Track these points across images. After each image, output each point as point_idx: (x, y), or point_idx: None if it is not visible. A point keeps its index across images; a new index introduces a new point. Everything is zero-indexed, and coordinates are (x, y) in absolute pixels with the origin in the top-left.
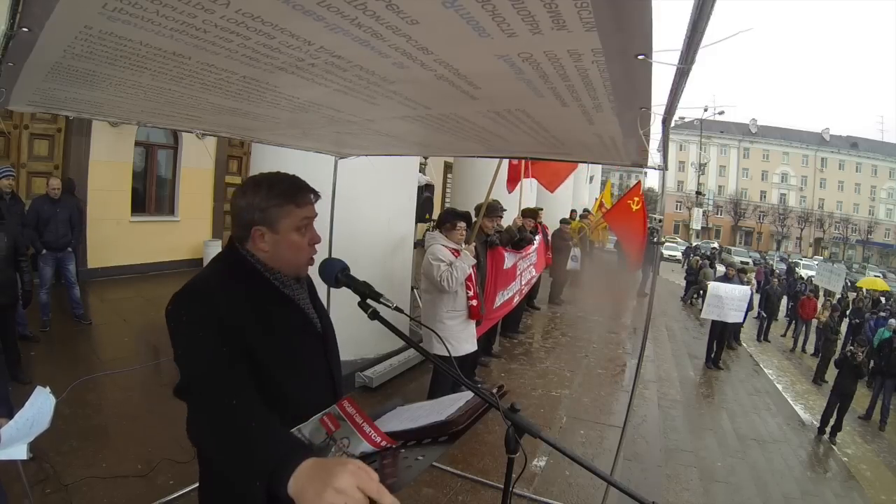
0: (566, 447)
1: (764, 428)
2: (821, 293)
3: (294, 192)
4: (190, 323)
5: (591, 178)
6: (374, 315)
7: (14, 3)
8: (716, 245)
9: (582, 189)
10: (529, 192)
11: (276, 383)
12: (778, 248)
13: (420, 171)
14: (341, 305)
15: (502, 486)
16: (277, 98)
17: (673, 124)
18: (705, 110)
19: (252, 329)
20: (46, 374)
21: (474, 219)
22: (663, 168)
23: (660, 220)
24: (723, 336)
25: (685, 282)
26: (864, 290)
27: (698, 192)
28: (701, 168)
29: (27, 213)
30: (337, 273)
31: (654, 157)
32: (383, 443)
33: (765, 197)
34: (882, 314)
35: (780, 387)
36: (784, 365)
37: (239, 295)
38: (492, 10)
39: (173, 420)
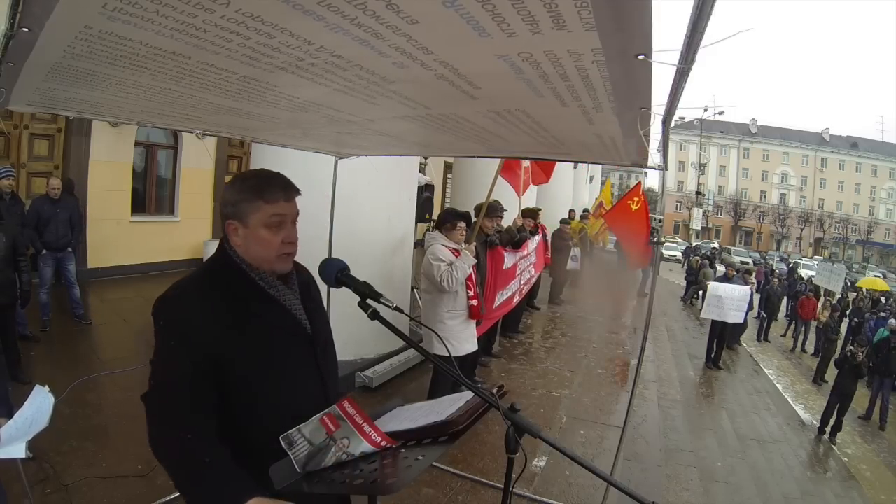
0: (566, 447)
1: (764, 428)
2: (821, 293)
3: (262, 187)
4: (163, 328)
5: (591, 178)
6: (374, 315)
7: (14, 3)
8: (716, 245)
9: (582, 189)
10: (529, 191)
11: (251, 391)
12: (778, 248)
13: (420, 171)
14: (341, 305)
15: (502, 486)
16: (277, 98)
17: (673, 124)
18: (705, 110)
19: (226, 335)
20: (46, 373)
21: (474, 219)
22: (663, 168)
23: (660, 220)
24: (723, 336)
25: (685, 282)
26: (863, 290)
27: (698, 192)
28: (701, 168)
29: (27, 213)
30: (337, 273)
31: (654, 157)
32: (383, 443)
33: (765, 197)
34: (882, 314)
35: (780, 387)
36: (784, 365)
37: (217, 298)
38: (492, 10)
39: None
